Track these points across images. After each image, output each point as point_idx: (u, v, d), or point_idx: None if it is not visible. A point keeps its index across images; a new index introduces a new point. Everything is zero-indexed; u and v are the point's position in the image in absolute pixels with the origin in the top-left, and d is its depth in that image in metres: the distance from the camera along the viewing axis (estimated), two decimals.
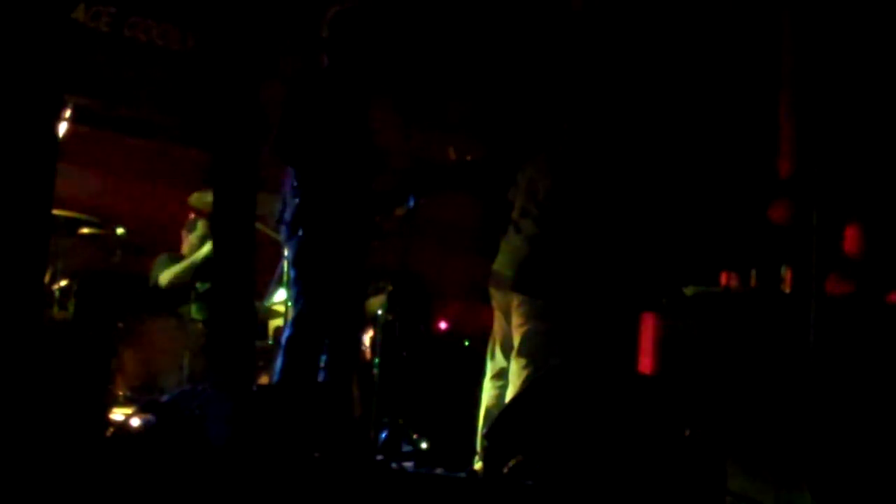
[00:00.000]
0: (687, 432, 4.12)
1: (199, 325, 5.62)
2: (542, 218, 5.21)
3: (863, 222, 6.15)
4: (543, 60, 7.73)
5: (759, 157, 7.49)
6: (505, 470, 4.39)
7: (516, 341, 5.12)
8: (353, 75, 4.80)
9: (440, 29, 7.62)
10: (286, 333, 4.66)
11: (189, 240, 6.18)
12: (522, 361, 5.07)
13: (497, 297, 5.28)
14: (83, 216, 5.30)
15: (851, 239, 6.21)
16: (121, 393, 5.22)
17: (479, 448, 5.08)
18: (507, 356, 5.23)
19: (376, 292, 5.84)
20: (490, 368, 5.33)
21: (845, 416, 4.70)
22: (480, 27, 7.69)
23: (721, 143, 7.53)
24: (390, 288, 5.72)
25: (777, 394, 4.85)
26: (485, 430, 4.97)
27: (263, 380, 5.21)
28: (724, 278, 5.66)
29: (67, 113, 5.16)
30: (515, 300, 5.16)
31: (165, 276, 5.96)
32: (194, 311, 5.88)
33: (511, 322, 5.19)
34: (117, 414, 4.82)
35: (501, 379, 5.24)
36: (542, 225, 5.21)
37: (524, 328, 5.10)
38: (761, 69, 7.53)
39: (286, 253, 4.89)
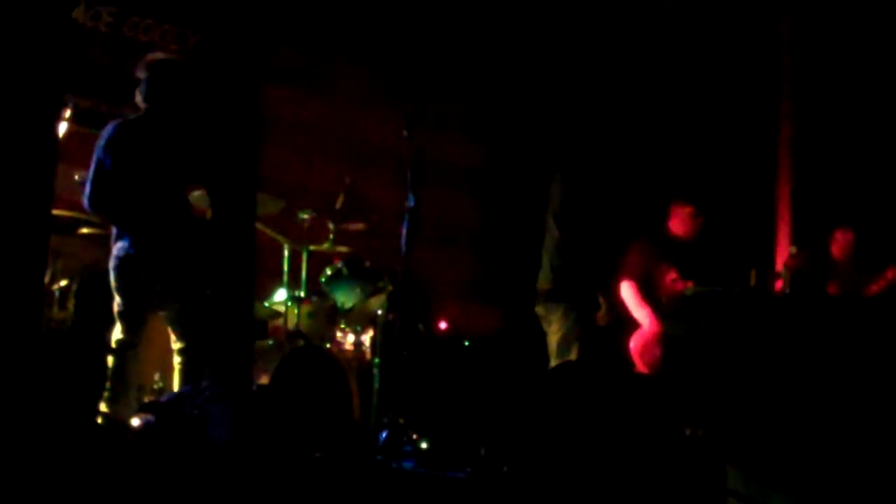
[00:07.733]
0: (687, 432, 4.12)
1: None
2: (557, 232, 5.37)
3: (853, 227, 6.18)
4: (554, 62, 7.72)
5: (758, 159, 7.50)
6: (505, 469, 4.40)
7: (553, 346, 5.32)
8: (168, 120, 4.88)
9: (444, 29, 7.62)
10: None
11: None
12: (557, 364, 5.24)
13: (541, 313, 5.47)
14: (83, 216, 5.28)
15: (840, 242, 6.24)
16: None
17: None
18: None
19: (376, 292, 5.84)
20: None
21: (843, 417, 4.71)
22: (487, 28, 7.68)
23: (720, 145, 7.53)
24: (390, 288, 5.72)
25: (776, 393, 4.85)
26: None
27: (263, 380, 5.20)
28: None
29: (67, 113, 5.16)
30: (551, 309, 5.36)
31: None
32: None
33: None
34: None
35: None
36: (556, 238, 5.37)
37: (559, 334, 5.31)
38: (761, 70, 7.53)
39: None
